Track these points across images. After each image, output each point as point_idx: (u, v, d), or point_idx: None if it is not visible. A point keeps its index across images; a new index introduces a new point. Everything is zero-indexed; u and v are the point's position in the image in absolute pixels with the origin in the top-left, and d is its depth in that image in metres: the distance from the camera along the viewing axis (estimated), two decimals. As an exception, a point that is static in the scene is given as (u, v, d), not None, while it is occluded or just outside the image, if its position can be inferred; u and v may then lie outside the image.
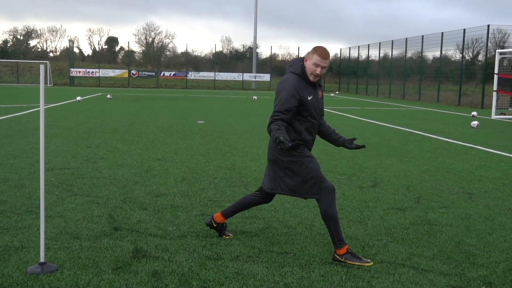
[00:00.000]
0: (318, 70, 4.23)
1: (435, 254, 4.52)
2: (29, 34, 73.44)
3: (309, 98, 4.28)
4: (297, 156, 4.32)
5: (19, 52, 62.50)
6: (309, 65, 4.27)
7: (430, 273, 4.08)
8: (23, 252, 4.28)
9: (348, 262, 4.22)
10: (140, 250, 4.41)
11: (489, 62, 29.57)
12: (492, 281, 3.95)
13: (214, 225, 4.79)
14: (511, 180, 7.88)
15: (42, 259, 3.96)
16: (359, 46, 49.72)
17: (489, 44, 33.68)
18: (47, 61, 51.60)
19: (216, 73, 52.24)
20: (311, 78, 4.29)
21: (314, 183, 4.33)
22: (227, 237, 4.81)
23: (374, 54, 46.50)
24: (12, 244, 4.46)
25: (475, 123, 16.88)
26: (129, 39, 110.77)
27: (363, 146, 4.62)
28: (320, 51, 4.23)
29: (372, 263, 4.23)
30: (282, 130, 4.08)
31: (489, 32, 30.55)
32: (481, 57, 38.41)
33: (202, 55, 68.91)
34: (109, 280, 3.76)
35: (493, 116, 21.53)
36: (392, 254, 4.51)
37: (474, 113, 22.37)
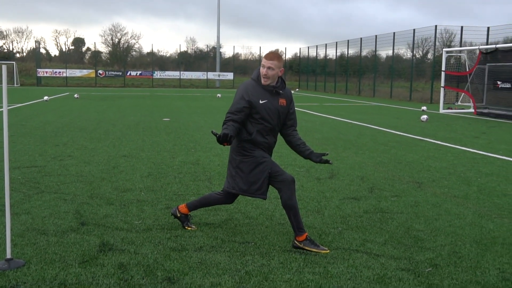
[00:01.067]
0: (264, 70, 4.30)
1: (387, 240, 4.61)
2: (-5, 35, 71.22)
3: (260, 102, 4.30)
4: (248, 156, 4.38)
5: (-15, 53, 60.62)
6: (260, 69, 4.37)
7: (381, 257, 4.17)
8: (-10, 249, 4.18)
9: (307, 248, 4.27)
10: (107, 243, 4.36)
11: (437, 60, 30.24)
12: (438, 263, 4.06)
13: (178, 215, 4.83)
14: (456, 170, 8.09)
15: (8, 256, 3.87)
16: (317, 46, 50.09)
17: (437, 43, 34.45)
18: (14, 62, 50.21)
19: (181, 72, 51.77)
20: (262, 81, 4.34)
21: (262, 184, 4.38)
22: (190, 228, 4.80)
23: (332, 53, 46.91)
24: (-21, 242, 4.35)
25: (424, 117, 17.27)
26: (95, 40, 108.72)
27: (330, 162, 4.55)
28: (266, 54, 4.37)
29: (328, 250, 4.29)
30: (229, 128, 4.20)
31: (437, 32, 31.23)
32: (430, 56, 39.33)
33: (167, 55, 68.24)
34: (76, 273, 3.71)
35: (441, 111, 22.04)
36: (347, 240, 4.58)
37: (424, 108, 22.87)
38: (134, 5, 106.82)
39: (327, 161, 4.52)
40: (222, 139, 4.05)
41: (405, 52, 39.21)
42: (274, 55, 4.33)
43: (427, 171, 7.92)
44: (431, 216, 5.40)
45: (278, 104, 4.42)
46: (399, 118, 18.49)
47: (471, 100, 21.93)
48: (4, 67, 3.78)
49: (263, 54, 57.94)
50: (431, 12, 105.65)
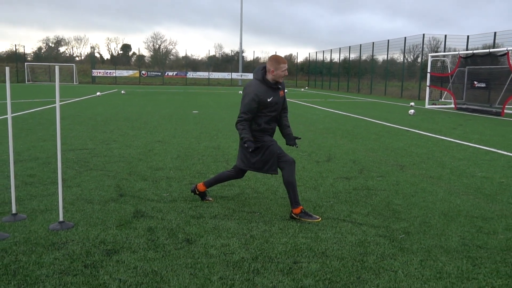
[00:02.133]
0: (285, 73, 4.32)
1: (369, 212, 4.63)
2: (59, 42, 72.02)
3: (268, 100, 4.30)
4: (259, 142, 4.40)
5: (51, 56, 61.37)
6: (278, 73, 4.29)
7: (364, 226, 4.19)
8: (47, 214, 4.31)
9: (302, 219, 4.32)
10: (139, 211, 4.46)
11: (425, 64, 29.71)
12: (410, 231, 4.08)
13: (197, 192, 4.85)
14: (434, 155, 8.03)
15: (61, 219, 4.00)
16: (323, 51, 49.59)
17: (426, 49, 33.84)
18: (73, 64, 50.79)
19: (210, 72, 51.83)
20: (280, 80, 4.34)
21: (272, 162, 4.39)
22: (208, 201, 4.86)
23: (336, 57, 46.44)
24: (39, 208, 4.49)
25: (411, 111, 17.06)
26: (140, 46, 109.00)
27: (296, 147, 4.63)
28: (282, 59, 4.33)
29: (320, 219, 4.34)
30: (246, 130, 4.28)
31: (425, 39, 30.67)
32: (419, 59, 38.56)
33: (199, 58, 68.04)
34: (113, 234, 3.82)
35: (427, 106, 21.73)
36: (336, 212, 4.61)
37: (412, 103, 22.59)
38: (171, 17, 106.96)
39: (294, 145, 4.60)
40: (254, 151, 4.24)
41: (398, 56, 38.59)
42: (284, 58, 4.35)
43: (410, 156, 7.88)
44: (409, 193, 5.40)
45: (280, 97, 4.45)
46: (391, 112, 18.30)
47: (452, 97, 21.57)
48: (57, 67, 3.87)
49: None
50: (422, 23, 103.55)
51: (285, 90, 4.64)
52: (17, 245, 3.53)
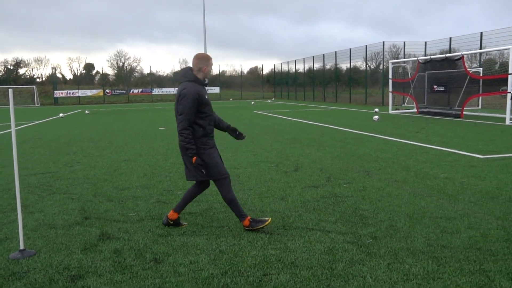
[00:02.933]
0: (212, 69, 4.34)
1: (337, 219, 4.68)
2: (18, 64, 70.11)
3: (206, 97, 4.24)
4: (205, 148, 4.25)
5: (9, 79, 59.65)
6: (209, 69, 4.29)
7: (332, 233, 4.23)
8: (7, 242, 4.16)
9: (255, 228, 4.27)
10: (105, 233, 4.36)
11: (387, 70, 30.52)
12: (377, 235, 4.14)
13: (171, 222, 4.49)
14: (399, 159, 8.22)
15: (21, 247, 3.87)
16: (288, 62, 50.29)
17: (387, 56, 34.79)
18: (34, 86, 49.53)
19: (175, 88, 51.61)
20: (207, 77, 4.32)
21: (219, 169, 4.27)
22: (184, 225, 4.54)
23: (300, 68, 47.13)
24: (-2, 237, 4.32)
25: (376, 117, 17.44)
26: (103, 64, 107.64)
27: (242, 137, 4.60)
28: (208, 55, 4.32)
29: (270, 219, 4.34)
30: (193, 141, 4.15)
31: (385, 46, 31.56)
32: (381, 66, 39.59)
33: (164, 74, 67.80)
34: (78, 259, 3.72)
35: (390, 111, 22.27)
36: (304, 221, 4.64)
37: (376, 109, 23.10)
38: (133, 34, 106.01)
39: (241, 135, 4.58)
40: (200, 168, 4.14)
41: (361, 64, 39.51)
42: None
43: (375, 162, 8.03)
44: (375, 198, 5.49)
45: (207, 93, 4.37)
46: (356, 119, 18.64)
47: (414, 102, 22.20)
48: (10, 91, 3.77)
49: (244, 70, 57.57)
50: (382, 31, 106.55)
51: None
52: (-25, 278, 3.38)
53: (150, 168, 7.87)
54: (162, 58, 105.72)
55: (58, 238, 4.23)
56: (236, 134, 4.60)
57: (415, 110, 21.88)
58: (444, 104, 19.82)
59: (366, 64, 35.80)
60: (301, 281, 3.20)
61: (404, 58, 29.94)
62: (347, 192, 5.81)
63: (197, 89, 4.17)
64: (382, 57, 32.96)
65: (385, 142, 10.80)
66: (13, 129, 3.89)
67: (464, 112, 18.33)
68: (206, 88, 4.43)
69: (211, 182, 4.71)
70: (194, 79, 4.23)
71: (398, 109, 23.11)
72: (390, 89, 22.88)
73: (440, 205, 5.10)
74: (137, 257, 3.73)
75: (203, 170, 4.18)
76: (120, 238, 4.21)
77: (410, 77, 22.91)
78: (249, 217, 4.34)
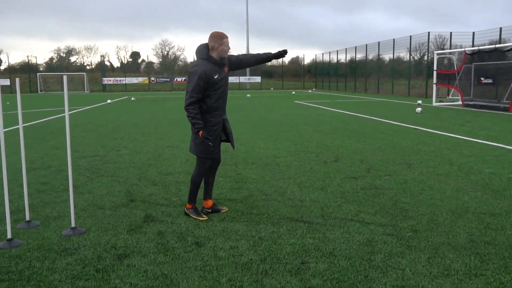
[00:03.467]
0: (227, 48, 4.22)
1: (377, 211, 4.62)
2: (70, 52, 72.86)
3: (215, 77, 4.16)
4: (207, 126, 4.26)
5: (62, 66, 62.09)
6: (223, 48, 4.19)
7: (371, 225, 4.18)
8: (59, 220, 4.37)
9: (189, 215, 4.41)
10: (149, 216, 4.49)
11: (432, 62, 29.53)
12: (417, 229, 4.05)
13: (209, 210, 4.57)
14: (442, 152, 7.97)
15: (73, 225, 4.05)
16: (330, 52, 49.50)
17: (432, 47, 33.63)
18: (84, 73, 51.29)
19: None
20: (224, 55, 4.23)
21: (206, 148, 4.27)
22: (224, 211, 4.60)
23: (342, 58, 46.36)
24: (52, 215, 4.55)
25: (419, 109, 16.94)
26: (148, 53, 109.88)
27: (285, 53, 4.50)
28: (224, 34, 4.21)
29: (206, 218, 4.36)
30: (199, 116, 4.11)
31: (430, 37, 30.48)
32: (426, 58, 38.33)
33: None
34: (124, 239, 3.86)
35: (434, 104, 21.58)
36: (344, 212, 4.60)
37: (419, 101, 22.43)
38: (177, 23, 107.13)
39: (284, 52, 4.48)
40: (207, 142, 4.10)
41: (404, 55, 38.38)
42: (224, 33, 4.22)
43: (417, 154, 7.83)
44: (416, 191, 5.36)
45: (225, 72, 4.32)
46: (398, 110, 18.19)
47: (459, 94, 21.39)
48: (64, 77, 3.92)
49: (285, 60, 57.25)
50: (427, 20, 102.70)
51: (232, 56, 4.49)
52: (31, 252, 3.58)
53: (192, 154, 7.99)
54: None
55: (106, 218, 4.40)
56: (279, 54, 4.50)
57: (460, 102, 21.09)
58: (492, 97, 18.98)
59: (410, 55, 34.76)
60: (339, 271, 3.19)
61: (450, 49, 28.82)
62: (388, 184, 5.71)
63: (206, 68, 4.11)
64: (427, 47, 31.89)
65: (428, 134, 10.49)
66: (66, 114, 4.05)
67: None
68: (224, 67, 4.30)
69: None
70: (206, 57, 4.18)
71: (442, 102, 22.34)
72: (435, 81, 22.12)
73: (485, 200, 4.92)
74: (179, 240, 3.83)
75: (210, 143, 4.14)
76: (163, 221, 4.33)
77: (456, 68, 22.07)
78: (194, 205, 4.44)
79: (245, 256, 3.47)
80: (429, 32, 29.52)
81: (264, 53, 4.59)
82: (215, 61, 4.20)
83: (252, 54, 4.66)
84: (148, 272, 3.18)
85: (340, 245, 3.68)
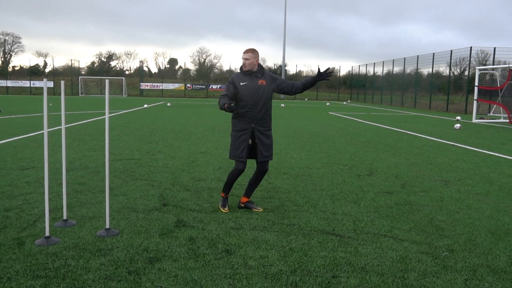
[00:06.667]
0: (243, 61, 4.81)
1: (411, 228, 4.50)
2: (110, 56, 75.12)
3: (241, 84, 4.78)
4: (234, 130, 4.91)
5: (103, 70, 64.08)
6: (243, 63, 4.84)
7: (405, 242, 4.07)
8: (94, 221, 4.47)
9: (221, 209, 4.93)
10: (181, 221, 4.54)
11: (473, 77, 28.73)
12: (454, 248, 3.92)
13: (243, 205, 5.05)
14: (481, 171, 7.71)
15: (107, 226, 4.14)
16: (366, 64, 49.01)
17: (473, 62, 32.73)
18: (123, 78, 52.72)
19: (253, 86, 52.37)
20: (244, 69, 4.81)
21: (242, 149, 4.85)
22: (256, 210, 4.97)
23: (379, 70, 45.78)
24: (87, 215, 4.66)
25: (457, 125, 16.48)
26: (185, 60, 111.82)
27: (330, 72, 4.84)
28: (245, 49, 4.85)
29: (227, 210, 4.91)
30: (224, 98, 4.73)
31: (472, 52, 29.66)
32: (466, 73, 37.34)
33: (242, 72, 69.10)
34: (156, 242, 3.90)
35: (474, 120, 20.94)
36: (377, 227, 4.51)
37: (458, 117, 21.83)
38: (215, 31, 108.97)
39: (329, 73, 4.81)
40: (232, 108, 4.57)
41: (444, 69, 37.51)
42: (248, 50, 4.81)
43: (455, 171, 7.60)
44: (453, 210, 5.20)
45: (257, 84, 4.81)
46: (435, 126, 17.75)
47: (502, 111, 20.66)
48: (107, 81, 4.04)
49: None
50: (471, 34, 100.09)
51: (277, 79, 4.98)
52: (67, 250, 3.68)
53: (225, 161, 8.06)
54: (240, 55, 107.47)
55: (139, 221, 4.48)
56: (322, 74, 4.80)
57: (502, 120, 20.36)
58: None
59: (450, 69, 33.92)
60: (370, 287, 3.12)
61: (493, 64, 27.94)
62: (423, 201, 5.56)
63: (235, 75, 4.87)
64: (468, 62, 31.03)
65: (467, 152, 10.18)
66: (107, 118, 4.16)
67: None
68: (259, 78, 4.85)
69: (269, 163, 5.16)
70: (239, 69, 4.91)
71: (483, 118, 21.65)
72: (475, 97, 21.48)
73: (527, 223, 4.71)
74: (210, 246, 3.84)
75: (232, 104, 4.56)
76: (194, 226, 4.37)
77: (499, 85, 21.37)
78: (225, 195, 5.03)
79: (275, 266, 3.44)
80: (471, 47, 28.76)
81: (307, 79, 4.94)
82: (244, 72, 4.87)
83: (296, 83, 5.03)
84: (178, 277, 3.21)
85: (372, 260, 3.60)
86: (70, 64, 53.89)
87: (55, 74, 55.27)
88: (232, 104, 4.55)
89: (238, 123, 4.84)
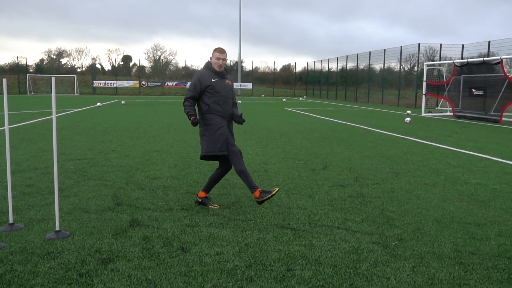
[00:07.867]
0: (220, 62, 4.82)
1: (364, 219, 4.63)
2: (61, 54, 72.36)
3: (212, 80, 4.81)
4: (209, 124, 4.80)
5: (52, 68, 61.62)
6: (214, 61, 4.85)
7: (357, 233, 4.19)
8: (44, 223, 4.31)
9: (265, 198, 4.69)
10: (135, 220, 4.46)
11: (421, 72, 29.84)
12: (403, 238, 4.07)
13: (200, 200, 5.02)
14: (429, 162, 8.04)
15: (57, 228, 4.00)
16: (321, 60, 49.87)
17: (422, 58, 33.99)
18: (75, 75, 50.95)
19: (209, 83, 52.02)
20: (217, 69, 4.85)
21: (222, 143, 4.76)
22: (212, 207, 4.94)
23: (334, 66, 46.66)
24: (36, 217, 4.49)
25: (408, 119, 17.10)
26: (140, 57, 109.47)
27: (242, 121, 5.04)
28: (220, 49, 4.88)
29: (277, 189, 4.76)
30: (191, 107, 4.80)
31: (421, 48, 30.83)
32: (416, 68, 38.77)
33: (198, 68, 68.57)
34: (109, 243, 3.81)
35: (423, 114, 21.79)
36: (331, 219, 4.61)
37: (408, 111, 22.64)
38: (169, 28, 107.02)
39: (240, 119, 5.01)
40: (193, 123, 4.68)
41: (395, 65, 38.74)
42: (224, 50, 4.88)
43: (405, 164, 7.88)
44: (403, 200, 5.39)
45: (226, 83, 4.94)
46: (387, 120, 18.33)
47: (448, 105, 21.63)
48: (53, 79, 3.90)
49: (277, 67, 57.39)
50: (421, 31, 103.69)
51: (234, 84, 5.23)
52: (13, 255, 3.53)
53: (181, 159, 7.98)
54: (196, 52, 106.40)
55: (91, 222, 4.36)
56: (236, 119, 5.01)
57: (449, 113, 21.32)
58: (480, 109, 19.23)
59: (400, 65, 35.10)
60: (324, 279, 3.19)
61: (440, 60, 29.18)
62: (375, 193, 5.73)
63: (202, 73, 4.84)
64: (417, 58, 32.24)
65: (416, 144, 10.58)
66: (54, 117, 4.02)
67: (503, 118, 17.72)
68: (226, 78, 4.97)
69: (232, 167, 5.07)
70: (207, 67, 4.91)
71: (431, 112, 22.57)
72: (424, 91, 22.35)
73: (470, 211, 4.97)
74: (165, 245, 3.80)
75: (197, 119, 4.70)
76: (149, 225, 4.30)
77: (445, 80, 22.34)
78: (259, 188, 4.75)
79: (231, 262, 3.45)
80: (419, 44, 29.91)
81: (234, 109, 5.07)
82: (213, 69, 4.88)
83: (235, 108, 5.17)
84: (132, 277, 3.15)
85: (326, 252, 3.68)
86: (16, 61, 51.39)
87: (0, 72, 52.66)
88: (197, 120, 4.69)
89: (214, 118, 4.81)
